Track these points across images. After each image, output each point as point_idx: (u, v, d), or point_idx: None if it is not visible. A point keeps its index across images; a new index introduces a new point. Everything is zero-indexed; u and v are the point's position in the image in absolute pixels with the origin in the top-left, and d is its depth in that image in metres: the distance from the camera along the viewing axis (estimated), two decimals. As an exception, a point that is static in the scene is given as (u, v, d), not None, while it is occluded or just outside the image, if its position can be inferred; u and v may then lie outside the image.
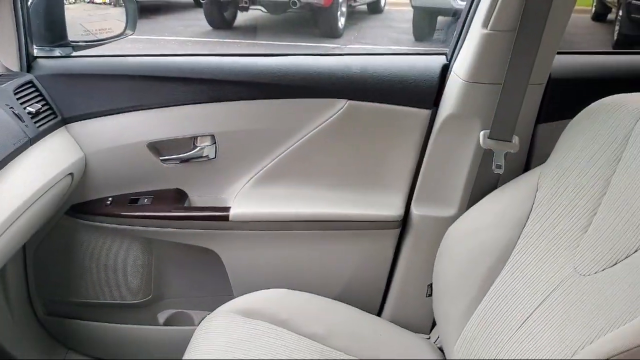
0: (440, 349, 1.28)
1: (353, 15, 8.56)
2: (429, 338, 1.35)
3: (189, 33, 7.24)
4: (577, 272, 0.93)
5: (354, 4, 8.23)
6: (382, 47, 7.07)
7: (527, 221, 1.09)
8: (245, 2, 6.88)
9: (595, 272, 0.90)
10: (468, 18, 1.23)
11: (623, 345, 0.72)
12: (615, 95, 1.05)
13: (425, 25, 7.33)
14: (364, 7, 9.06)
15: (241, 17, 7.82)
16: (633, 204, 0.89)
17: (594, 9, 9.44)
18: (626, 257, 0.85)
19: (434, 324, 1.38)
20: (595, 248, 0.92)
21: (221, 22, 7.42)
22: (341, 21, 7.33)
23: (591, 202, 0.98)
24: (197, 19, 7.58)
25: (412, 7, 7.15)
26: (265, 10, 7.38)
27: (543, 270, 1.00)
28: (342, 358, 1.17)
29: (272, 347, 1.14)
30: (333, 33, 7.20)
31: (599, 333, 0.80)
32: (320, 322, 1.23)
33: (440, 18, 7.43)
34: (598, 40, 8.00)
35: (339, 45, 7.00)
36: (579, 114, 1.08)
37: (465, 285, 1.13)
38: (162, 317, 1.50)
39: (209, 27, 7.41)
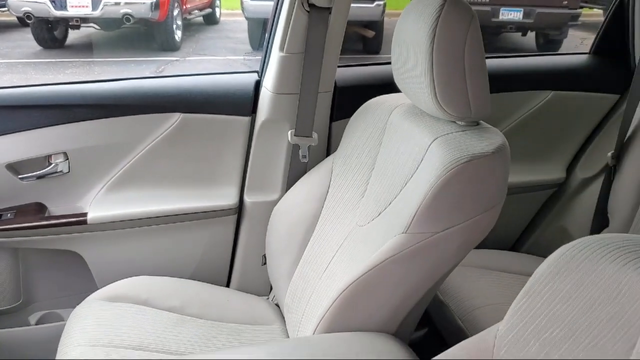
0: (277, 305, 1.60)
1: (190, 28, 8.73)
2: (267, 298, 1.68)
3: (17, 55, 6.96)
4: (357, 225, 1.30)
5: (189, 17, 8.39)
6: (220, 57, 7.34)
7: (326, 196, 1.45)
8: (76, 21, 6.77)
9: (368, 223, 1.26)
10: (269, 44, 1.57)
11: (373, 264, 1.09)
12: (378, 97, 1.44)
13: (260, 34, 7.70)
14: (200, 19, 9.26)
15: (74, 35, 7.65)
16: (388, 173, 1.27)
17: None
18: (384, 209, 1.23)
19: (271, 287, 1.70)
20: (368, 207, 1.30)
21: (52, 41, 7.21)
22: (178, 34, 7.48)
23: (365, 175, 1.36)
24: (25, 39, 7.29)
25: (246, 18, 7.49)
26: (99, 27, 7.31)
27: (338, 228, 1.36)
28: (195, 322, 1.44)
29: (137, 321, 1.39)
30: (170, 46, 7.33)
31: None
32: (176, 298, 1.50)
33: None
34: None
35: (177, 58, 7.14)
36: (355, 113, 1.46)
37: (288, 251, 1.46)
38: (33, 318, 1.67)
39: (39, 47, 7.17)
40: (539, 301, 0.75)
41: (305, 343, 1.09)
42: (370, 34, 7.36)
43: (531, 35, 8.18)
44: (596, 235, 0.76)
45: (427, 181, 1.07)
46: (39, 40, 7.16)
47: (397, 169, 1.23)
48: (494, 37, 8.51)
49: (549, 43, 8.02)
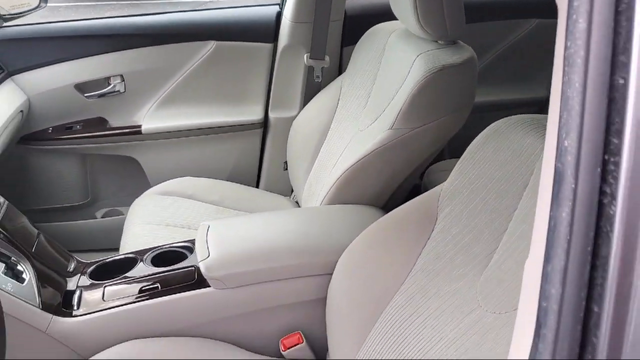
0: (297, 203, 1.93)
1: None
2: (289, 198, 2.01)
3: (59, -3, 7.27)
4: (359, 130, 1.60)
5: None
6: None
7: (336, 109, 1.74)
8: (114, -37, 7.01)
9: (367, 127, 1.56)
10: (289, -20, 1.84)
11: (366, 153, 1.40)
12: (380, 24, 1.71)
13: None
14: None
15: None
16: (384, 86, 1.55)
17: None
18: (379, 116, 1.52)
19: (292, 189, 2.03)
20: (368, 115, 1.59)
21: (91, -16, 7.48)
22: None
23: (367, 90, 1.64)
24: (65, -17, 7.57)
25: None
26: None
27: (344, 135, 1.66)
28: (230, 212, 1.79)
29: (184, 209, 1.74)
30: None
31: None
32: (215, 193, 1.84)
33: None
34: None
35: (211, -1, 7.35)
36: (361, 38, 1.74)
37: (304, 155, 1.77)
38: (99, 214, 2.05)
39: (79, -10, 7.45)
40: (472, 162, 1.05)
41: (308, 209, 1.43)
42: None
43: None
44: (515, 116, 1.05)
45: (409, 87, 1.36)
46: (78, -17, 7.43)
47: (390, 82, 1.51)
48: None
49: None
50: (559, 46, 0.44)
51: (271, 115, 1.97)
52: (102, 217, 2.05)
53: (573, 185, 0.41)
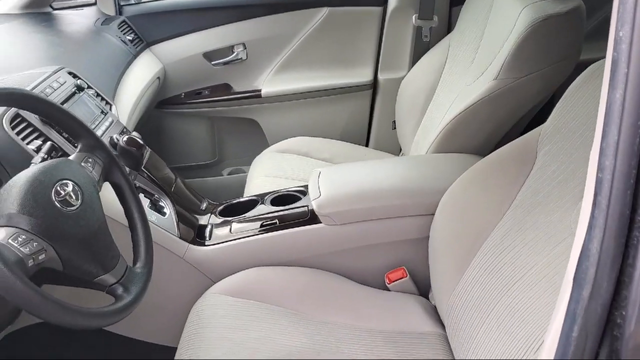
0: (405, 162, 2.01)
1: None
2: (398, 156, 2.09)
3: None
4: (465, 85, 1.63)
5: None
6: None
7: (444, 66, 1.79)
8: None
9: (473, 82, 1.60)
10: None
11: (471, 103, 1.44)
12: None
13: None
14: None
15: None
16: (491, 41, 1.58)
17: None
18: (486, 69, 1.56)
19: (400, 148, 2.11)
20: (475, 70, 1.62)
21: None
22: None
23: (475, 46, 1.68)
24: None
25: None
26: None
27: (451, 91, 1.71)
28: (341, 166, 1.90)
29: (299, 165, 1.88)
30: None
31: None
32: (327, 151, 1.96)
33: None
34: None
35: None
36: None
37: (412, 113, 1.84)
38: (225, 171, 2.26)
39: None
40: (572, 101, 1.08)
41: (412, 156, 1.51)
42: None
43: None
44: None
45: (514, 38, 1.39)
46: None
47: (497, 36, 1.54)
48: None
49: None
50: None
51: (380, 76, 2.05)
52: (227, 175, 2.25)
53: (626, 70, 0.47)
